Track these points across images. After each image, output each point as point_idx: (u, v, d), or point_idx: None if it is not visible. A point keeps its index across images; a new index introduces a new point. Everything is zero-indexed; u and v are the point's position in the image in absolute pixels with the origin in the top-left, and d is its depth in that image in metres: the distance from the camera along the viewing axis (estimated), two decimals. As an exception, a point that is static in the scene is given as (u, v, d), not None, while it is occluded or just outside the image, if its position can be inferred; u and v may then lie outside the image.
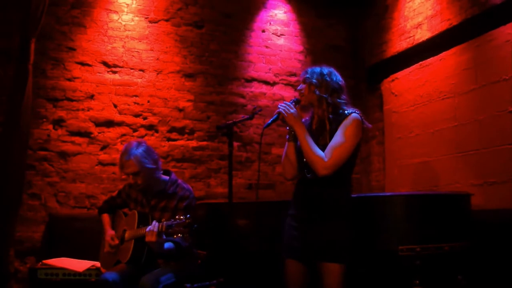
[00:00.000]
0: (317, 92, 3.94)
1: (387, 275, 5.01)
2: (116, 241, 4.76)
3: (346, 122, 3.86)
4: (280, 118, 3.96)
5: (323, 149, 3.83)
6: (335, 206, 3.91)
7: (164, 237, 4.20)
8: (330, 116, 3.93)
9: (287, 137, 4.04)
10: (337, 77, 4.04)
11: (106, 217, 5.05)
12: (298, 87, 4.08)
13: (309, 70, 4.06)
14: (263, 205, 4.25)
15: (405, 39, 7.21)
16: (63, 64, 6.73)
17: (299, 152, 3.99)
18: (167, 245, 4.40)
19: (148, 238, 4.21)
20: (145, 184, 4.72)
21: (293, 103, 3.98)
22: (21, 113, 5.69)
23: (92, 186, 6.68)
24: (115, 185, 6.64)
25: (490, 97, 5.82)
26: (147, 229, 4.23)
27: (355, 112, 3.91)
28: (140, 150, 4.61)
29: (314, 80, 3.97)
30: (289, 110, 3.90)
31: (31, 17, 5.77)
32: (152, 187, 4.76)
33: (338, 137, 3.82)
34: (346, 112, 3.92)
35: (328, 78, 3.98)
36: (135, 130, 6.95)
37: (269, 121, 3.96)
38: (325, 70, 4.04)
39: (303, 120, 4.04)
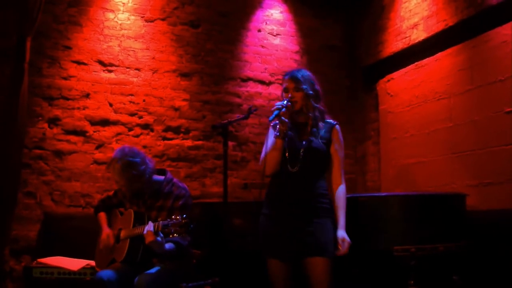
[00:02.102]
0: (312, 102, 4.05)
1: (382, 275, 5.02)
2: (112, 241, 4.76)
3: (338, 136, 4.17)
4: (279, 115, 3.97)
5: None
6: (324, 200, 4.00)
7: (162, 235, 4.19)
8: (320, 123, 4.11)
9: (276, 134, 3.98)
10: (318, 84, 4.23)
11: (102, 216, 5.04)
12: (289, 93, 4.07)
13: (300, 78, 4.10)
14: (258, 205, 4.24)
15: (401, 39, 7.21)
16: (59, 62, 6.72)
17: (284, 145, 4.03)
18: (168, 245, 4.39)
19: (148, 239, 4.19)
20: (130, 191, 4.74)
21: (287, 103, 4.00)
22: (17, 112, 5.69)
23: (87, 185, 6.67)
24: (110, 184, 6.61)
25: (486, 98, 5.83)
26: (144, 231, 4.22)
27: (337, 123, 4.20)
28: (120, 162, 4.60)
29: (311, 92, 4.06)
30: None
31: (28, 16, 5.76)
32: (143, 190, 4.74)
33: (341, 157, 4.16)
34: (331, 121, 4.19)
35: (317, 87, 4.17)
36: (130, 129, 6.94)
37: (272, 116, 3.93)
38: (311, 76, 4.19)
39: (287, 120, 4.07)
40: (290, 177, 4.00)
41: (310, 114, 4.06)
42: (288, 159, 4.00)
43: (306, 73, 4.17)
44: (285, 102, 3.97)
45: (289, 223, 3.94)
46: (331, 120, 4.19)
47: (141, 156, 4.66)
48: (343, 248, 3.92)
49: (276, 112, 3.89)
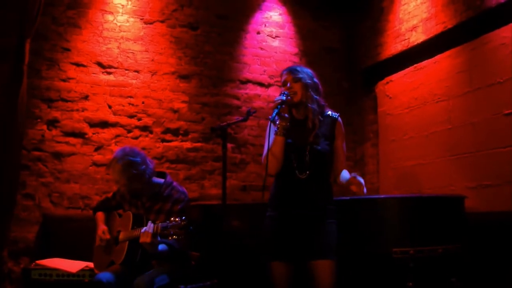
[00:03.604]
0: (312, 92, 4.02)
1: (381, 277, 5.02)
2: (108, 236, 4.75)
3: (341, 130, 4.15)
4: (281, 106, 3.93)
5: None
6: (330, 204, 4.01)
7: (159, 238, 4.20)
8: (320, 116, 4.07)
9: (275, 129, 3.94)
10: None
11: (100, 215, 5.05)
12: (288, 84, 4.07)
13: (299, 69, 4.14)
14: (257, 207, 4.25)
15: (400, 41, 7.21)
16: (58, 64, 6.72)
17: (286, 149, 3.99)
18: (161, 247, 4.40)
19: (142, 239, 4.20)
20: (129, 191, 4.74)
21: (286, 97, 3.97)
22: (16, 114, 5.68)
23: (86, 187, 6.66)
24: (109, 186, 6.62)
25: (485, 100, 5.83)
26: (142, 230, 4.23)
27: (339, 115, 4.17)
28: (120, 161, 4.61)
29: (309, 81, 4.04)
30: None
31: (27, 17, 5.76)
32: (143, 191, 4.75)
33: (344, 149, 4.17)
34: (332, 114, 4.16)
35: (316, 80, 4.15)
36: (129, 131, 6.94)
37: (274, 114, 3.89)
38: (311, 70, 4.19)
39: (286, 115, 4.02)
40: (299, 184, 3.99)
41: (310, 106, 4.04)
42: (296, 166, 3.99)
43: (305, 68, 4.19)
44: (283, 96, 3.94)
45: (296, 224, 3.94)
46: (331, 113, 4.16)
47: (141, 156, 4.68)
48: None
49: (276, 110, 3.86)
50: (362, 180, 3.80)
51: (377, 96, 7.78)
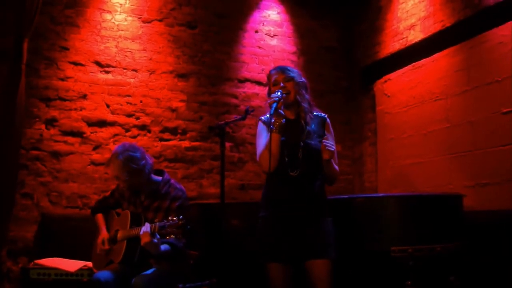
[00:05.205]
0: (303, 91, 4.06)
1: (380, 276, 5.02)
2: (107, 246, 4.75)
3: (330, 130, 4.19)
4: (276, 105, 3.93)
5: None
6: (324, 202, 4.02)
7: (158, 236, 4.20)
8: (310, 114, 4.13)
9: (271, 127, 3.92)
10: None
11: (100, 217, 5.04)
12: (281, 84, 4.07)
13: (290, 68, 4.18)
14: (255, 206, 4.25)
15: (398, 40, 7.22)
16: (56, 63, 6.71)
17: (282, 147, 3.99)
18: (163, 247, 4.39)
19: (143, 240, 4.19)
20: (129, 187, 4.74)
21: (282, 94, 3.97)
22: (15, 113, 5.68)
23: (84, 186, 6.66)
24: (107, 185, 6.62)
25: (483, 99, 5.84)
26: (141, 232, 4.23)
27: (327, 116, 4.24)
28: (121, 156, 4.61)
29: (299, 80, 4.08)
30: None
31: (25, 17, 5.76)
32: (142, 188, 4.75)
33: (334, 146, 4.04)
34: (321, 115, 4.23)
35: (304, 79, 4.22)
36: (127, 130, 6.93)
37: (272, 110, 3.89)
38: (298, 71, 4.27)
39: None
40: (291, 181, 3.99)
41: (302, 104, 4.06)
42: (288, 163, 3.99)
43: (293, 68, 4.27)
44: (279, 93, 3.96)
45: (290, 224, 3.93)
46: (320, 113, 4.22)
47: (141, 151, 4.70)
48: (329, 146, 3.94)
49: (274, 105, 3.86)
50: (329, 145, 3.92)
51: (376, 95, 7.78)
